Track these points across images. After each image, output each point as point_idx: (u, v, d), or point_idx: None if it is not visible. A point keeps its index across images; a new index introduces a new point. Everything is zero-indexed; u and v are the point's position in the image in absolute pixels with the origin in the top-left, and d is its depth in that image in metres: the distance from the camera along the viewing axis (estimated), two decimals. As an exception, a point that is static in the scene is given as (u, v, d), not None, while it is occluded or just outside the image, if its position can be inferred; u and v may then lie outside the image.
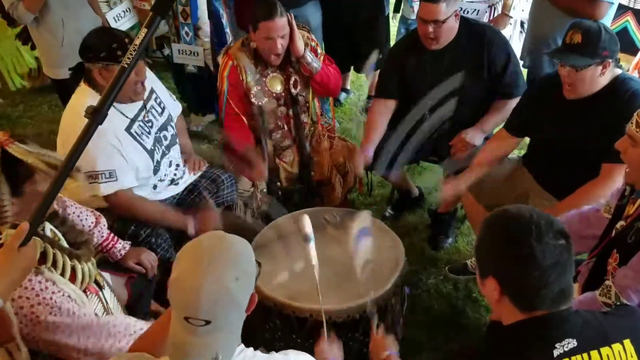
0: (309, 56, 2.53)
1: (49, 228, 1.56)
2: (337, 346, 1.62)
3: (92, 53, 2.01)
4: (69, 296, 1.48)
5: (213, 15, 3.34)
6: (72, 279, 1.51)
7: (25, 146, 1.44)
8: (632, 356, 1.12)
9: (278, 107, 2.63)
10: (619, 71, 2.01)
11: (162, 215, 2.21)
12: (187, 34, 3.28)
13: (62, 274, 1.49)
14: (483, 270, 1.19)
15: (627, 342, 1.13)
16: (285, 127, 2.69)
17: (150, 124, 2.25)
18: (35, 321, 1.42)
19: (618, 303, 1.49)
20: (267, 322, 1.99)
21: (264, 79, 2.55)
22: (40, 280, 1.43)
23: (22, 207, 1.44)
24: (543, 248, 1.09)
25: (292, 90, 2.60)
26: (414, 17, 3.93)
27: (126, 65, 1.20)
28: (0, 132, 1.44)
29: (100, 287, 1.66)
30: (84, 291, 1.54)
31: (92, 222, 1.95)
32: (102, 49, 1.99)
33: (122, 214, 2.16)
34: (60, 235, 1.58)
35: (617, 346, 1.12)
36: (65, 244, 1.57)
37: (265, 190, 2.63)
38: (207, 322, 1.07)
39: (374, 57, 2.49)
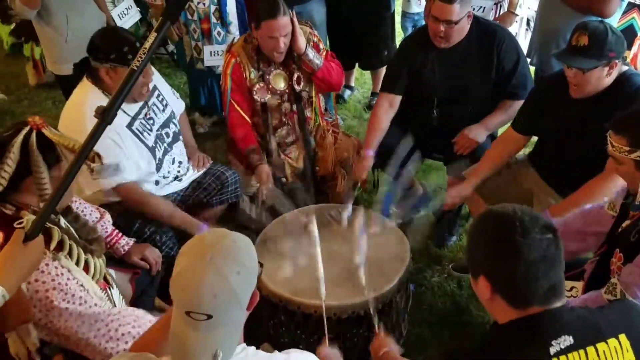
0: (311, 53, 2.53)
1: (63, 222, 1.58)
2: (338, 351, 1.61)
3: (102, 53, 2.01)
4: (82, 285, 1.49)
5: (238, 8, 3.32)
6: (85, 271, 1.53)
7: (59, 132, 1.47)
8: (627, 350, 1.12)
9: (282, 104, 2.64)
10: (624, 68, 2.01)
11: (171, 215, 2.22)
12: (219, 34, 3.24)
13: (77, 265, 1.51)
14: (474, 271, 1.20)
15: (622, 336, 1.13)
16: (290, 123, 2.69)
17: (151, 122, 2.25)
18: (49, 306, 1.43)
19: (625, 301, 1.48)
20: (271, 318, 1.99)
21: (267, 76, 2.55)
22: (56, 265, 1.45)
23: None
24: (529, 242, 1.10)
25: (296, 86, 2.61)
26: (414, 10, 3.93)
27: (135, 68, 1.22)
28: (36, 116, 1.47)
29: (109, 285, 1.67)
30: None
31: (96, 218, 1.96)
32: (112, 50, 1.99)
33: (131, 208, 2.17)
34: (72, 230, 1.59)
35: (612, 341, 1.12)
36: (78, 238, 1.59)
37: (271, 185, 2.63)
38: (209, 317, 1.07)
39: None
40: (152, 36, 1.21)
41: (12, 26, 3.90)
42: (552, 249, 1.12)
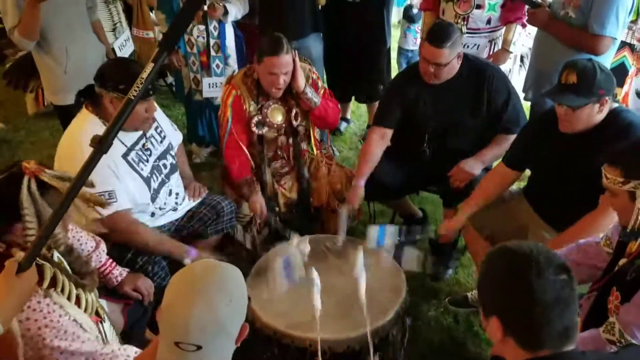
0: (309, 92, 2.58)
1: (56, 256, 1.56)
2: None
3: (111, 82, 2.01)
4: (75, 320, 1.47)
5: (237, 41, 3.39)
6: (77, 306, 1.50)
7: (55, 172, 1.45)
8: None
9: (278, 137, 2.66)
10: (615, 105, 2.04)
11: (159, 243, 2.19)
12: (217, 66, 3.30)
13: (68, 300, 1.48)
14: (486, 310, 1.17)
15: None
16: (285, 156, 2.71)
17: (148, 152, 2.25)
18: (41, 344, 1.40)
19: (622, 340, 1.46)
20: (265, 351, 1.95)
21: (265, 110, 2.58)
22: (48, 303, 1.42)
23: None
24: (543, 283, 1.07)
25: (294, 122, 2.64)
26: (409, 47, 4.02)
27: (133, 98, 1.22)
28: (32, 161, 1.45)
29: (101, 319, 1.64)
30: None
31: (91, 247, 1.94)
32: (122, 80, 1.98)
33: (118, 239, 2.13)
34: (65, 264, 1.57)
35: None
36: (70, 273, 1.56)
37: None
38: (198, 348, 1.07)
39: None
40: (149, 66, 1.22)
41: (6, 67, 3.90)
42: (567, 290, 1.10)
